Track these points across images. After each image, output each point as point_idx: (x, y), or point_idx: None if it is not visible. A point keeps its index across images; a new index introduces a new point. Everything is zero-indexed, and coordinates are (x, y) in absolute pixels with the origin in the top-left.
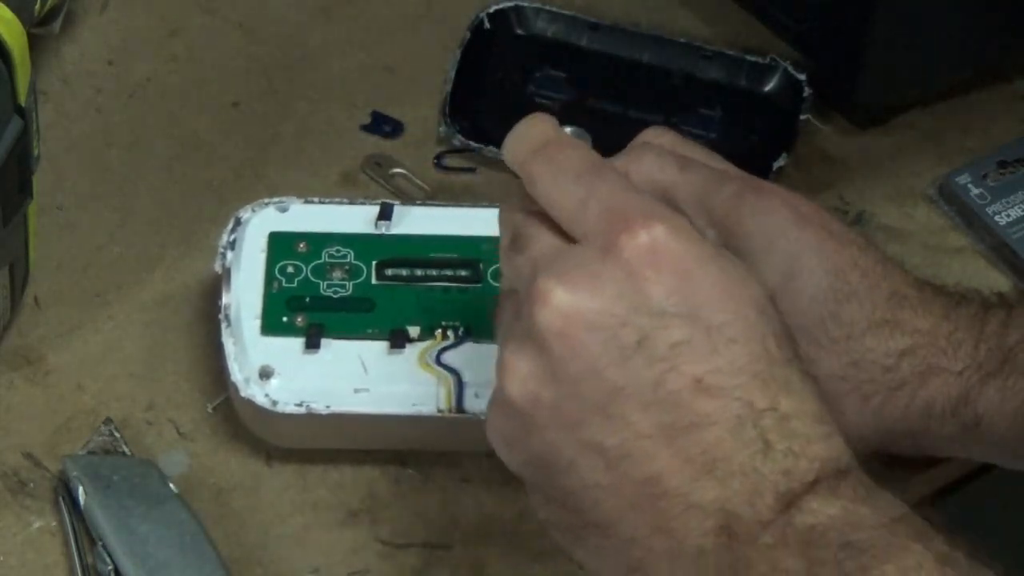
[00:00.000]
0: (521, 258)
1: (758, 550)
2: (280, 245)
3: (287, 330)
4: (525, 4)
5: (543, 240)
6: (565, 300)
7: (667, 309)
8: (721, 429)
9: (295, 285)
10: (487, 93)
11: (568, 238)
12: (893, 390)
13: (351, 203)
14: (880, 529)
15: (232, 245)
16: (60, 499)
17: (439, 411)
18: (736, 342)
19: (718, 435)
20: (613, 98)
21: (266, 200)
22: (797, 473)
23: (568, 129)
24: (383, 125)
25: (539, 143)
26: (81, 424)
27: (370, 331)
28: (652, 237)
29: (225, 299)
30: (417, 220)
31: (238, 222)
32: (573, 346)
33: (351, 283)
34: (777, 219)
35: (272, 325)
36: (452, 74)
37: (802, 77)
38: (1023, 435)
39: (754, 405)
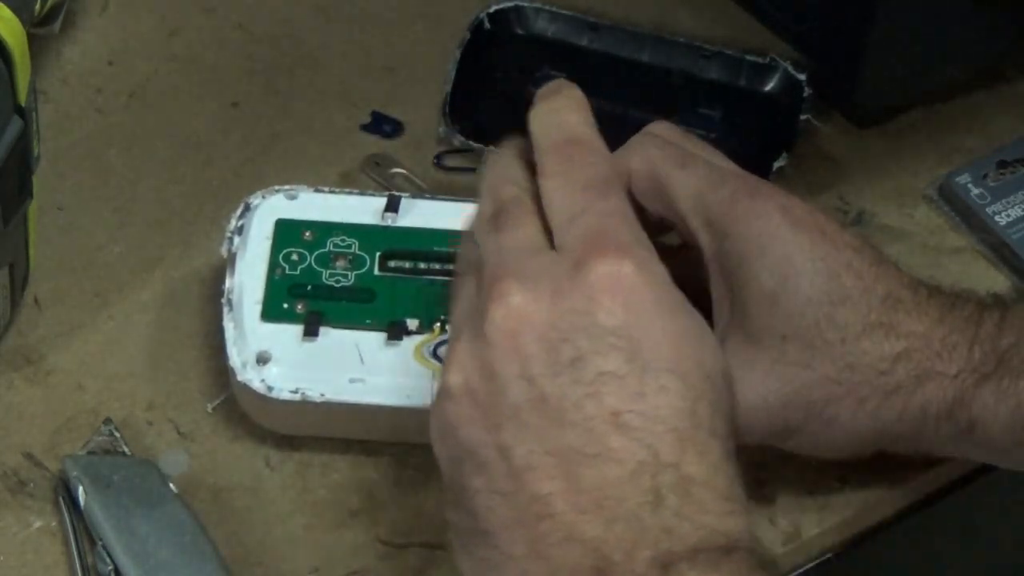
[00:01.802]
0: (497, 238)
1: None
2: (286, 232)
3: (287, 317)
4: (525, 4)
5: (524, 231)
6: (521, 305)
7: (609, 338)
8: (622, 469)
9: (298, 273)
10: (487, 93)
11: (549, 237)
12: (888, 393)
13: (361, 194)
14: None
15: (240, 230)
16: (60, 499)
17: (431, 404)
18: (667, 392)
19: (617, 474)
20: (613, 98)
21: (276, 187)
22: (679, 535)
23: None
24: (383, 125)
25: (567, 137)
26: (81, 424)
27: (369, 322)
28: (620, 268)
29: (228, 283)
30: (424, 213)
31: (247, 207)
32: (515, 348)
33: (353, 273)
34: (771, 222)
35: (272, 311)
36: (452, 74)
37: (802, 77)
38: (1018, 437)
39: (660, 457)
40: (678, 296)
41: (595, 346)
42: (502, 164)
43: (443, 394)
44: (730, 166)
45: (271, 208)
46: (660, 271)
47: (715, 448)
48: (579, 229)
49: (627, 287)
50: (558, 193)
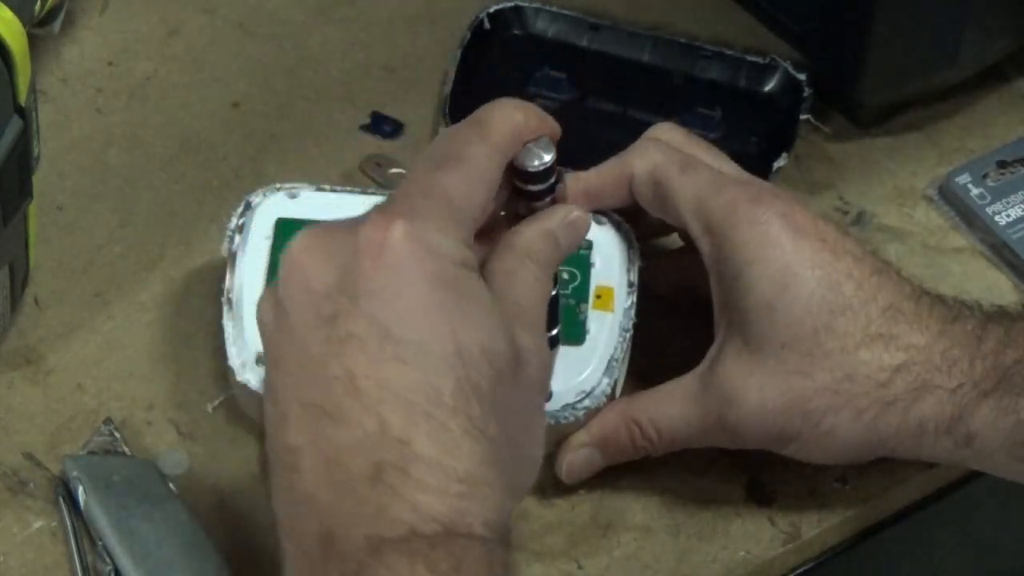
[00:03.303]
0: None
1: None
2: (286, 231)
3: None
4: (525, 4)
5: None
6: (298, 249)
7: (361, 300)
8: (351, 435)
9: None
10: (487, 93)
11: None
12: (886, 405)
13: (362, 192)
14: None
15: (240, 229)
16: (60, 499)
17: None
18: (404, 363)
19: (348, 441)
20: (613, 98)
21: (277, 185)
22: (390, 517)
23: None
24: (383, 125)
25: (472, 117)
26: (81, 424)
27: None
28: (388, 232)
29: (228, 282)
30: None
31: (248, 206)
32: (289, 293)
33: None
34: (771, 229)
35: None
36: (452, 74)
37: (802, 77)
38: (1018, 454)
39: (388, 431)
40: (450, 270)
41: (348, 306)
42: None
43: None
44: (733, 170)
45: (272, 207)
46: (439, 244)
47: (456, 427)
48: (395, 193)
49: (391, 254)
50: (413, 166)
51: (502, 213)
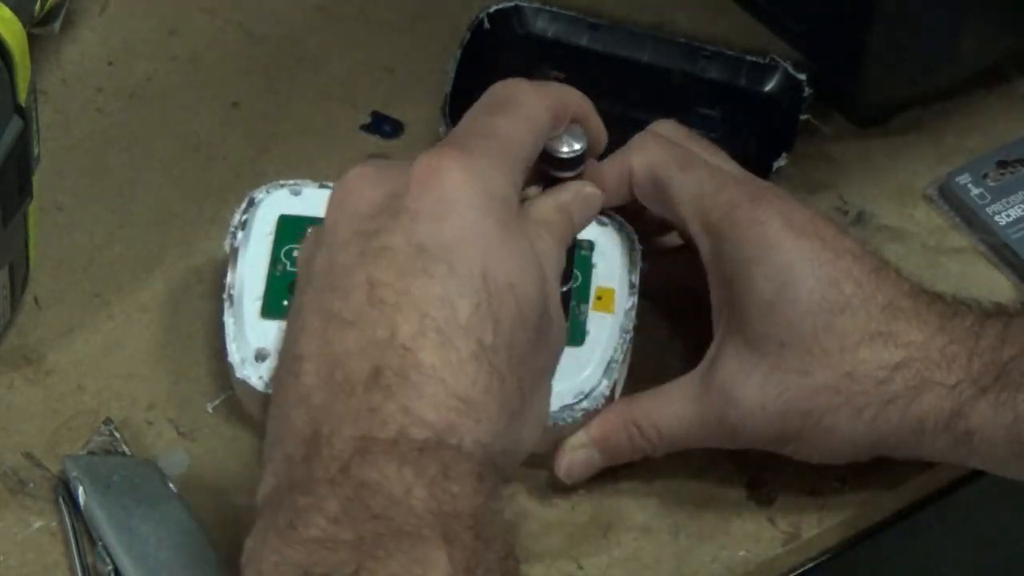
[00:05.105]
0: None
1: (316, 478)
2: (288, 228)
3: (286, 314)
4: (525, 4)
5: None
6: (351, 178)
7: (403, 217)
8: (360, 340)
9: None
10: None
11: None
12: (886, 403)
13: None
14: (416, 518)
15: (243, 225)
16: (60, 499)
17: None
18: (430, 277)
19: (355, 344)
20: (613, 98)
21: (280, 182)
22: (382, 417)
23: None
24: (383, 125)
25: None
26: (81, 424)
27: None
28: (441, 161)
29: (230, 278)
30: None
31: (251, 202)
32: (336, 218)
33: None
34: (771, 228)
35: (272, 308)
36: (452, 74)
37: (802, 77)
38: (1016, 449)
39: (396, 337)
40: (497, 205)
41: (390, 223)
42: None
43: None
44: (733, 168)
45: (275, 203)
46: (490, 179)
47: (464, 349)
48: (453, 131)
49: (441, 179)
50: (468, 113)
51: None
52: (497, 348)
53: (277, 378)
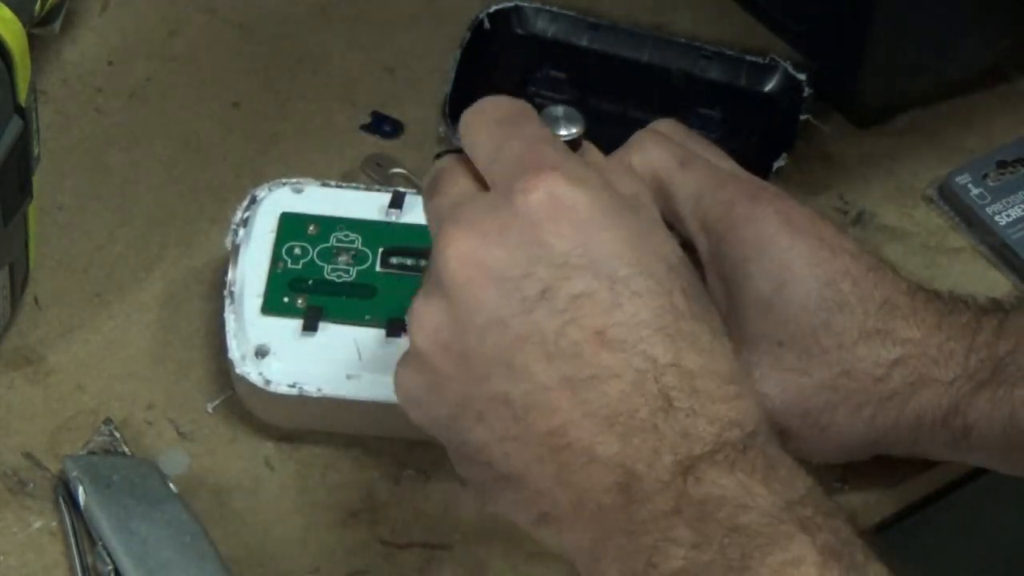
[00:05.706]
0: (435, 201)
1: (652, 514)
2: (290, 226)
3: (287, 311)
4: (525, 4)
5: (458, 185)
6: (468, 249)
7: (569, 260)
8: (623, 383)
9: (300, 267)
10: (487, 93)
11: (484, 185)
12: (884, 400)
13: (366, 189)
14: (769, 516)
15: (245, 222)
16: (60, 499)
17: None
18: (640, 296)
19: (620, 389)
20: (613, 98)
21: (283, 180)
22: (695, 434)
23: (560, 109)
24: (383, 125)
25: (480, 104)
26: (81, 424)
27: (368, 318)
28: (551, 188)
29: (231, 275)
30: None
31: (253, 200)
32: (477, 296)
33: (355, 269)
34: (769, 227)
35: (273, 305)
36: (452, 74)
37: (802, 77)
38: (1013, 444)
39: (657, 360)
40: (617, 199)
41: (557, 273)
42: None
43: (413, 359)
44: (732, 167)
45: (277, 201)
46: (588, 175)
47: (703, 332)
48: (503, 162)
49: (567, 206)
50: (477, 138)
51: None
52: (708, 310)
53: (526, 464)
